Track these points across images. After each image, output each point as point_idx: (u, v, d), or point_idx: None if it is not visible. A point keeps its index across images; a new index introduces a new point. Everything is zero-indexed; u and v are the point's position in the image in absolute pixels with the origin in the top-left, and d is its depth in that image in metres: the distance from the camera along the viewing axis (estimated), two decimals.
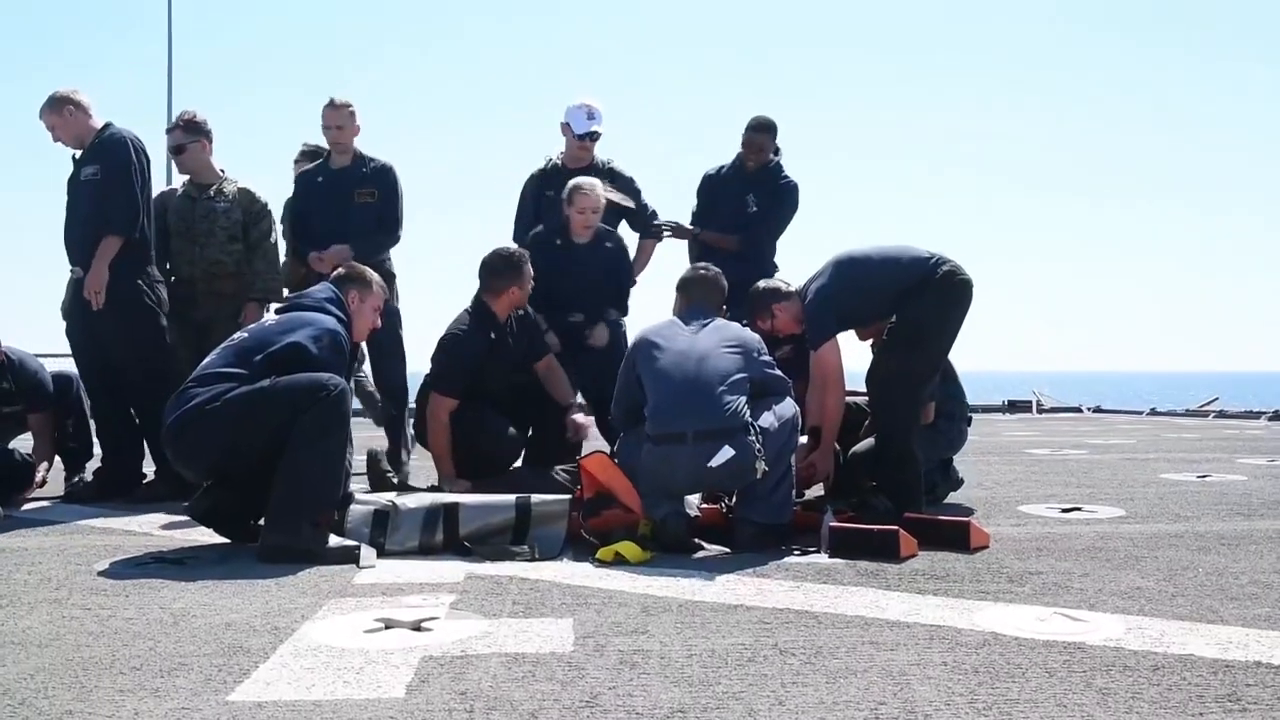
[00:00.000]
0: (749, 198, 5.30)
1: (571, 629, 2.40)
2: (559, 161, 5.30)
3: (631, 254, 5.31)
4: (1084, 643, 2.27)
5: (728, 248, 5.16)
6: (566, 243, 4.81)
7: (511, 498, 3.59)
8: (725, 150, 5.59)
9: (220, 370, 3.47)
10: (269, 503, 3.32)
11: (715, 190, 5.43)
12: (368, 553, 3.29)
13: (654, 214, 5.42)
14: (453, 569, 3.13)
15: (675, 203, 5.71)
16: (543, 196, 5.26)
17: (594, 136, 5.21)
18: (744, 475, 3.41)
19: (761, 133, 5.30)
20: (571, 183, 4.80)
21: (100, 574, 3.10)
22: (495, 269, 4.39)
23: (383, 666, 2.11)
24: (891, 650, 2.22)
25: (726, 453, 3.34)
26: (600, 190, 4.79)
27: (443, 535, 3.47)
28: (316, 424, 3.32)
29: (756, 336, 3.78)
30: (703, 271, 4.07)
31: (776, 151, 5.38)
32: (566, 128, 5.21)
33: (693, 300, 3.94)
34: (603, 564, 3.20)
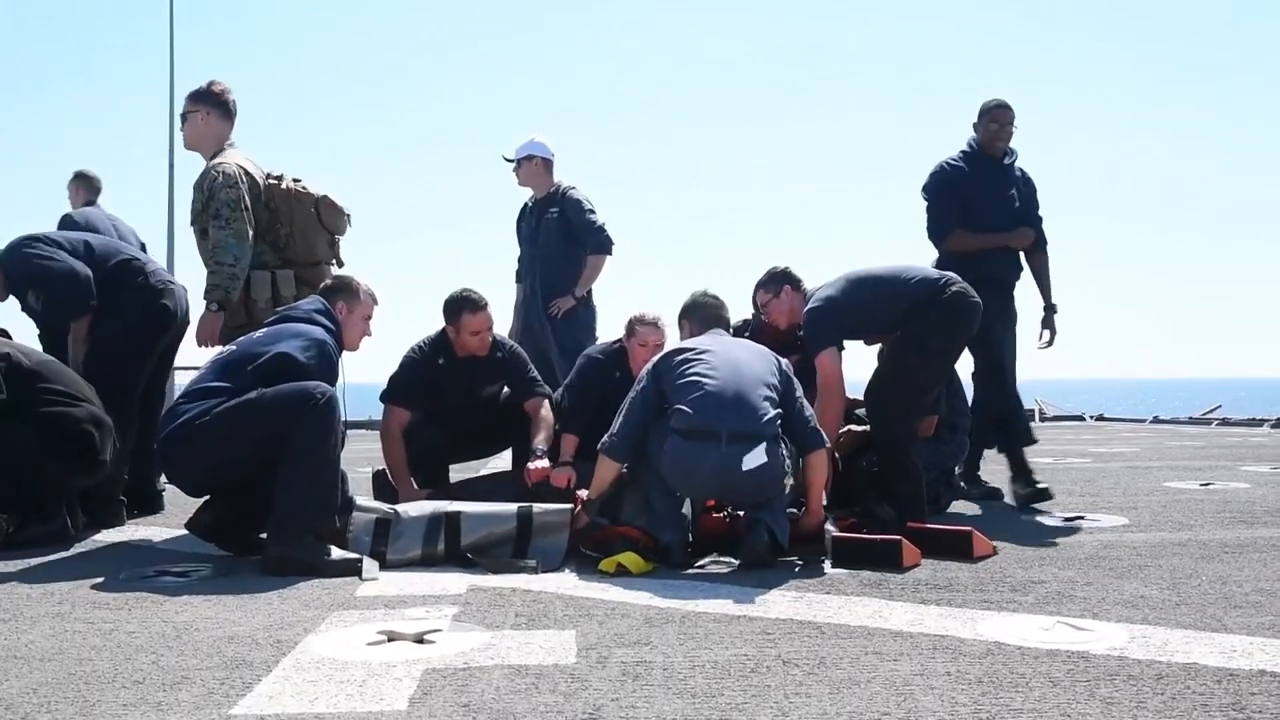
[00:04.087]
0: (1013, 192, 5.03)
1: (574, 640, 2.40)
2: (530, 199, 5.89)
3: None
4: (1088, 652, 2.27)
5: (1021, 245, 5.05)
6: (624, 376, 4.47)
7: (513, 507, 3.59)
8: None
9: (209, 385, 3.48)
10: (270, 515, 3.33)
11: (974, 186, 4.97)
12: (370, 565, 3.28)
13: (600, 229, 5.68)
14: (455, 581, 3.13)
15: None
16: (519, 229, 5.92)
17: (516, 165, 5.76)
18: (770, 486, 3.36)
19: (1009, 110, 5.02)
20: (633, 318, 4.52)
21: (103, 587, 3.10)
22: (443, 308, 4.46)
23: (385, 679, 2.11)
24: (895, 660, 2.22)
25: (759, 456, 3.29)
26: (663, 325, 4.46)
27: (444, 545, 3.47)
28: (309, 434, 3.31)
29: (781, 359, 3.71)
30: (706, 299, 4.10)
31: None
32: None
33: (698, 323, 3.95)
34: (605, 574, 3.20)
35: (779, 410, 3.44)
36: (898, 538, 3.32)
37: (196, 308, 4.50)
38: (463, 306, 4.39)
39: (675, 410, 3.41)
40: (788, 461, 3.41)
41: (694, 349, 3.60)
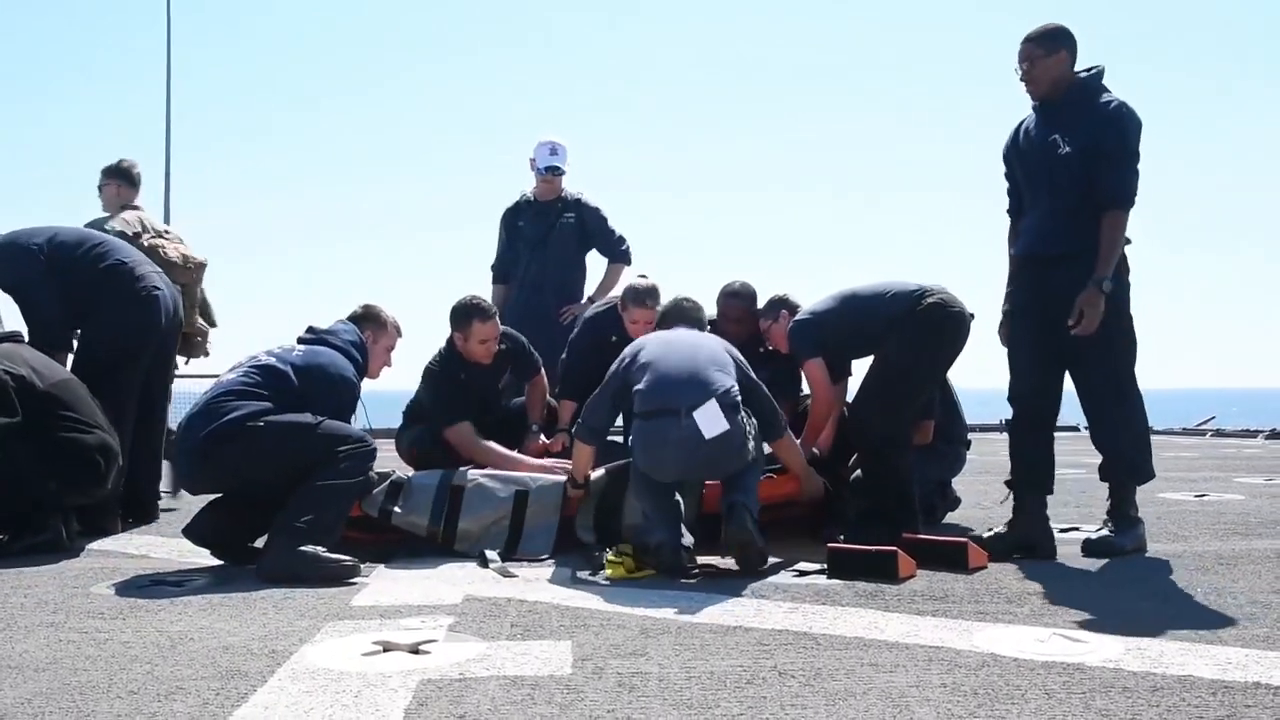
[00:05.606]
0: (1056, 137, 3.72)
1: (570, 651, 2.40)
2: (531, 196, 5.75)
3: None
4: (1083, 664, 2.27)
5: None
6: (621, 340, 4.53)
7: (512, 489, 3.84)
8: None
9: (248, 389, 3.55)
10: (275, 522, 3.37)
11: (1018, 142, 3.92)
12: (367, 568, 3.38)
13: (621, 239, 5.72)
14: (450, 591, 3.13)
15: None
16: (515, 227, 5.77)
17: (556, 171, 5.63)
18: (735, 453, 3.45)
19: (1029, 44, 3.76)
20: (628, 289, 4.59)
21: (97, 597, 3.09)
22: (451, 316, 4.48)
23: (381, 690, 2.11)
24: (890, 672, 2.22)
25: (720, 422, 3.36)
26: (659, 303, 4.51)
27: (444, 523, 3.76)
28: (346, 465, 3.46)
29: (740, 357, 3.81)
30: (684, 303, 4.18)
31: (1095, 72, 3.76)
32: (532, 163, 5.67)
33: (673, 327, 4.02)
34: (602, 584, 3.23)
35: (736, 383, 3.55)
36: (893, 549, 3.33)
37: None
38: (472, 314, 4.42)
39: (635, 394, 3.55)
40: (751, 431, 3.51)
41: (651, 342, 3.76)
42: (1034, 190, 3.83)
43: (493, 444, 4.35)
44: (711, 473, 3.61)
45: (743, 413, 3.50)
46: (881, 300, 4.11)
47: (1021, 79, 3.79)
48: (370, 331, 3.97)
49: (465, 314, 4.41)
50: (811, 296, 4.41)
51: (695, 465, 3.53)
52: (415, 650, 2.40)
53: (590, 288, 5.84)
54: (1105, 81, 3.74)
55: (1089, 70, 3.77)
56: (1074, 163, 3.66)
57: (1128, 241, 3.66)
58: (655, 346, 3.69)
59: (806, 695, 2.06)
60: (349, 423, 3.75)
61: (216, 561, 3.62)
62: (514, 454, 4.29)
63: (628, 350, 3.78)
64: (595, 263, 5.89)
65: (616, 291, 5.66)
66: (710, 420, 3.38)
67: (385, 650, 2.40)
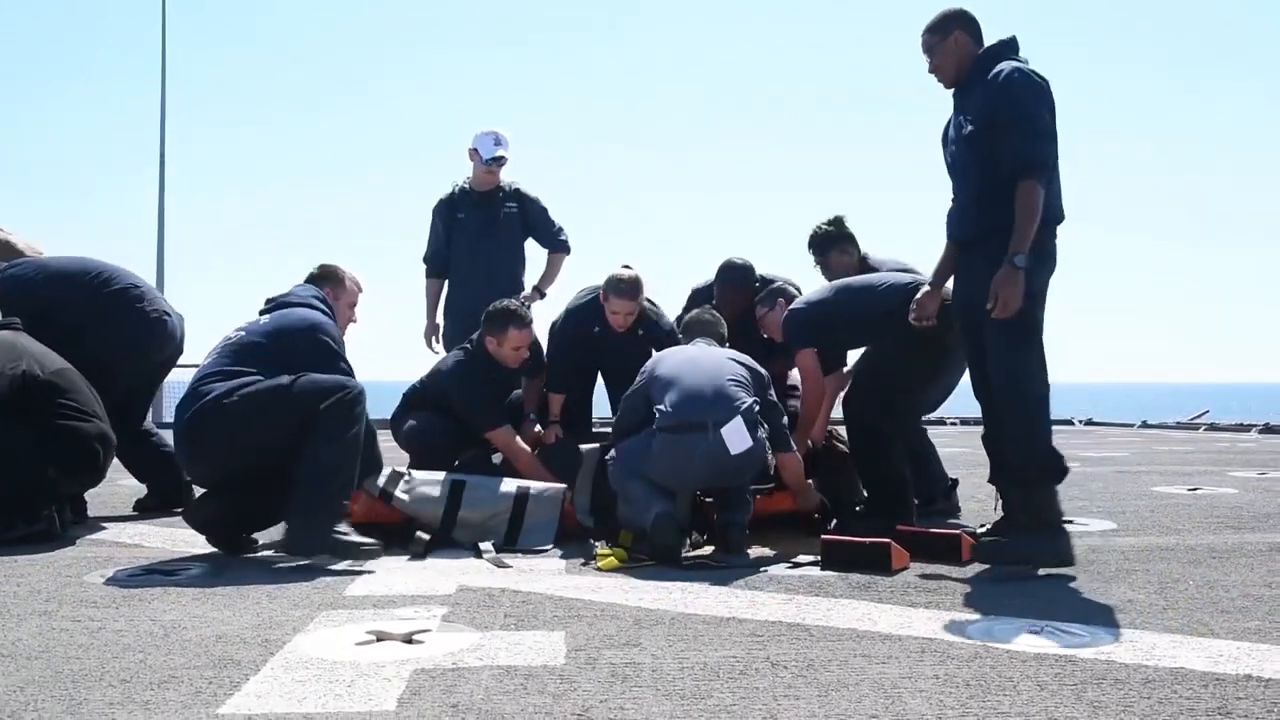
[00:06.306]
0: (961, 118, 3.57)
1: (563, 642, 2.40)
2: (467, 185, 5.65)
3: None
4: (1075, 655, 2.28)
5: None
6: (604, 331, 4.67)
7: (513, 488, 3.86)
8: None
9: (226, 369, 3.53)
10: (291, 495, 3.39)
11: (947, 131, 3.72)
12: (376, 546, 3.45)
13: (560, 229, 5.66)
14: (444, 581, 3.13)
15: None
16: (454, 219, 5.60)
17: (500, 161, 5.54)
18: (756, 466, 3.61)
19: (925, 35, 3.64)
20: (610, 280, 4.58)
21: (90, 585, 3.09)
22: (486, 320, 4.48)
23: (374, 679, 2.11)
24: (883, 663, 2.22)
25: (745, 439, 3.50)
26: (640, 294, 4.58)
27: (444, 512, 3.78)
28: (337, 420, 3.41)
29: (753, 362, 3.89)
30: (706, 316, 4.24)
31: (999, 43, 3.57)
32: (474, 153, 5.55)
33: (694, 340, 4.09)
34: (597, 573, 3.24)
35: (755, 398, 3.68)
36: (887, 541, 3.33)
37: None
38: (509, 321, 4.43)
39: (659, 411, 3.62)
40: (768, 442, 3.67)
41: (671, 356, 3.86)
42: (954, 176, 3.65)
43: (529, 450, 4.39)
44: (732, 483, 3.68)
45: (761, 426, 3.63)
46: (876, 292, 4.12)
47: (930, 72, 3.65)
48: (330, 289, 3.93)
49: (504, 321, 4.43)
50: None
51: (718, 477, 3.65)
52: (409, 640, 2.40)
53: (531, 278, 5.73)
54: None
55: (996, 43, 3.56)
56: (977, 141, 3.44)
57: (1060, 220, 3.43)
58: (678, 362, 3.78)
59: (799, 686, 2.06)
60: (343, 360, 3.67)
61: (210, 550, 3.62)
62: (543, 469, 4.29)
63: (649, 365, 3.87)
64: (533, 254, 5.81)
65: (561, 282, 5.68)
66: (736, 437, 3.51)
67: (379, 640, 2.40)
